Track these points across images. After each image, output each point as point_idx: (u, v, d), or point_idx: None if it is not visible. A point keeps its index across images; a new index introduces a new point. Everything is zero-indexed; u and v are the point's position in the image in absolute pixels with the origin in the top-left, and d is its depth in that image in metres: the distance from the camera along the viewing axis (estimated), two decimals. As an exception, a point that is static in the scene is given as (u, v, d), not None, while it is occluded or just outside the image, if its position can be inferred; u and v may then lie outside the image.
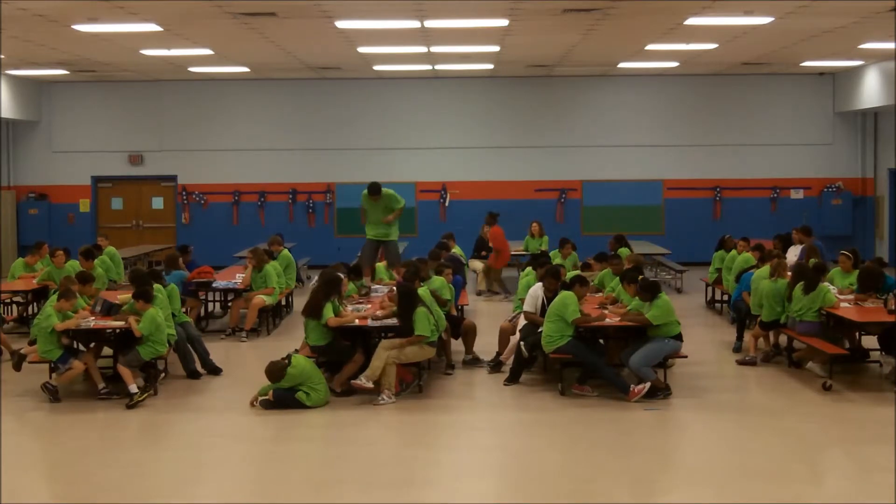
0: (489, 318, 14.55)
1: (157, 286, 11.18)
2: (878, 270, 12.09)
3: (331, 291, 10.77)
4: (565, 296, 10.53)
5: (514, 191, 22.52)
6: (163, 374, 11.22)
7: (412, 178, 22.26)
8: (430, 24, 14.35)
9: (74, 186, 22.74)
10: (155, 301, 10.77)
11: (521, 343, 11.09)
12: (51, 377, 10.49)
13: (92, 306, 11.25)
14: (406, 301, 10.52)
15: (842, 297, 11.88)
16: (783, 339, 12.35)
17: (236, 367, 12.13)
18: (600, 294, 12.62)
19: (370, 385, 10.23)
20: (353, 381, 10.27)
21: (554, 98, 22.54)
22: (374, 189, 13.99)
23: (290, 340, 12.91)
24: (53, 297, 10.72)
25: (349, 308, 11.40)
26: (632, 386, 10.22)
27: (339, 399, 10.33)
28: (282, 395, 10.00)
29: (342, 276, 11.51)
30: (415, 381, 10.72)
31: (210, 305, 15.76)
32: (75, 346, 11.10)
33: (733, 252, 15.03)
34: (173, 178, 22.85)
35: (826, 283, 11.76)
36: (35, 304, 14.43)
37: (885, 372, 11.51)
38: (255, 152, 22.63)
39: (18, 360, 11.10)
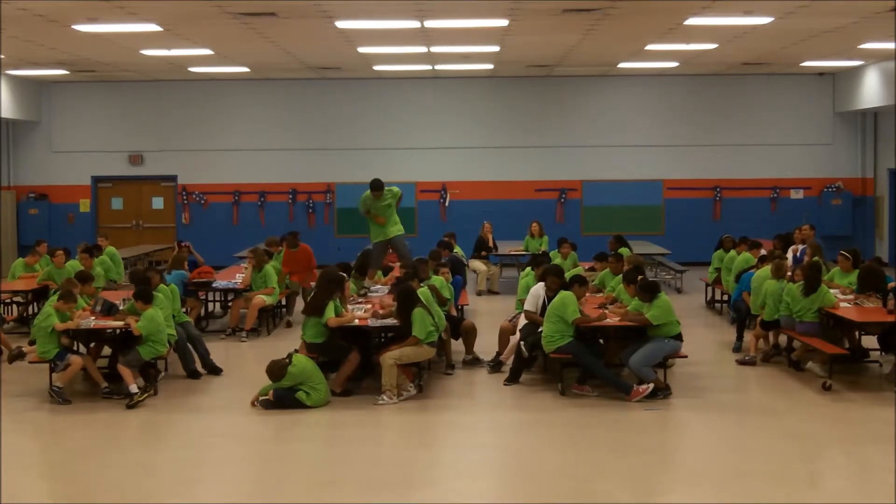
0: (489, 317, 14.54)
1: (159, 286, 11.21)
2: (879, 269, 12.10)
3: (333, 290, 10.76)
4: (564, 296, 10.53)
5: (514, 191, 22.52)
6: (162, 374, 11.22)
7: (412, 178, 22.26)
8: (430, 24, 14.35)
9: (74, 186, 22.75)
10: (155, 301, 10.78)
11: (521, 343, 11.09)
12: (51, 378, 10.49)
13: (92, 306, 11.26)
14: (404, 301, 10.52)
15: (842, 296, 11.89)
16: (783, 338, 12.35)
17: (236, 367, 12.13)
18: (601, 294, 12.62)
19: (394, 399, 10.24)
20: (375, 405, 10.18)
21: (554, 98, 22.54)
22: (377, 185, 13.83)
23: (290, 340, 12.90)
24: (54, 297, 10.72)
25: (349, 308, 11.39)
26: (635, 386, 10.22)
27: (339, 399, 10.33)
28: (282, 395, 10.00)
29: (344, 275, 11.51)
30: (415, 381, 10.72)
31: (210, 305, 15.76)
32: (76, 346, 11.12)
33: (732, 252, 15.03)
34: (173, 178, 22.86)
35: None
36: (35, 304, 14.43)
37: (884, 372, 11.51)
38: (255, 152, 22.64)
39: (16, 356, 11.07)
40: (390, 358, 10.24)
